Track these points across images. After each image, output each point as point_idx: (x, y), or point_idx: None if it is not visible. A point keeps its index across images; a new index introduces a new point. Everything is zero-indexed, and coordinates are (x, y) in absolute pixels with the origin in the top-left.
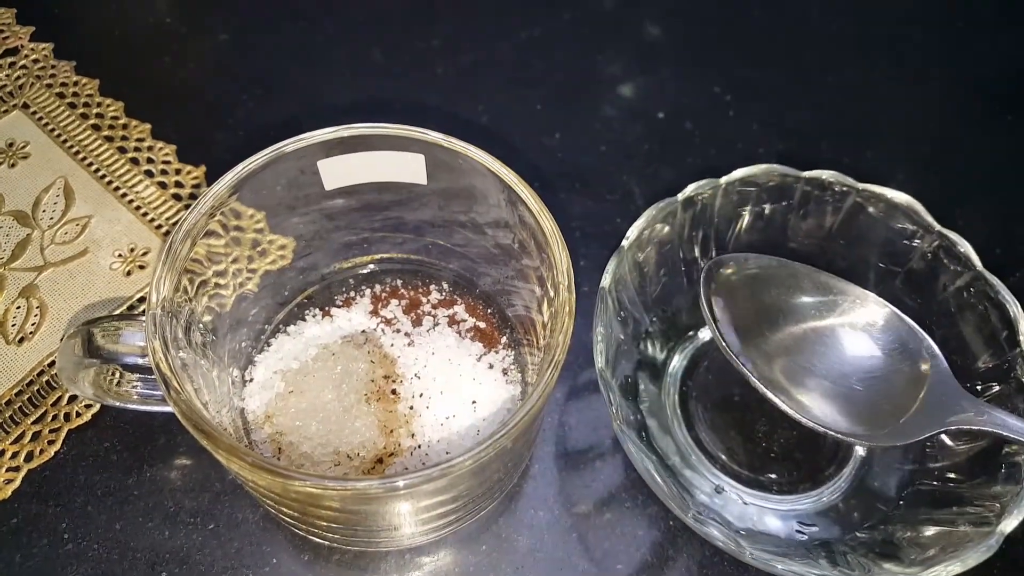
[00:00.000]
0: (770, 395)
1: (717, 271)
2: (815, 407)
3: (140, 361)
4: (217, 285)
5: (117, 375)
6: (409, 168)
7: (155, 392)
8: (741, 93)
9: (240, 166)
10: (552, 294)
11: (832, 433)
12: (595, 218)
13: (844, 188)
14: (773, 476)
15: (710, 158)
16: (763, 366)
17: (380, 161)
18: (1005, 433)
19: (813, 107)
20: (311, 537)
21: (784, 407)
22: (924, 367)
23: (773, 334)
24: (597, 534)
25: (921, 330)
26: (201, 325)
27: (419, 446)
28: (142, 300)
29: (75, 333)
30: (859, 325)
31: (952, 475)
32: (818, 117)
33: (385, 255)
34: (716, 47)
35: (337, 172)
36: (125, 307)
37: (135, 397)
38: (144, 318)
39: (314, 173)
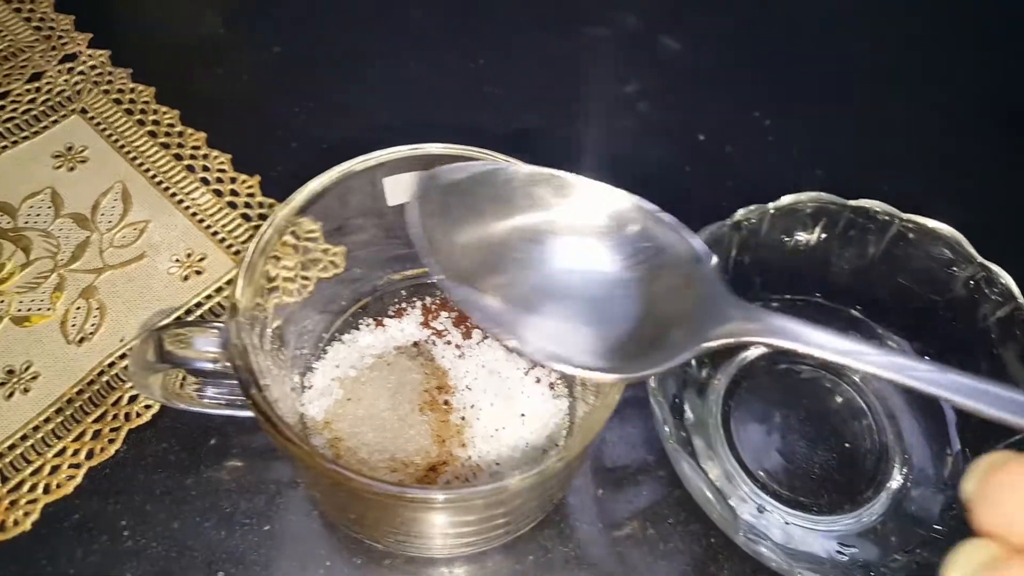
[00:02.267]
0: (492, 330)
1: (430, 190)
2: (553, 340)
3: (209, 366)
4: (283, 292)
5: (181, 378)
6: None
7: (217, 396)
8: (780, 117)
9: (314, 183)
10: None
11: (572, 370)
12: None
13: (888, 217)
14: (813, 497)
15: (750, 181)
16: (490, 298)
17: None
18: (783, 343)
19: (852, 133)
20: (366, 540)
21: (511, 343)
22: (689, 274)
23: (502, 258)
24: (640, 549)
25: (687, 229)
26: (269, 332)
27: (470, 456)
28: (199, 305)
29: (147, 338)
30: (605, 235)
31: None
32: (857, 144)
33: None
34: (755, 71)
35: (401, 189)
36: (183, 311)
37: (205, 401)
38: (218, 323)
39: (378, 188)
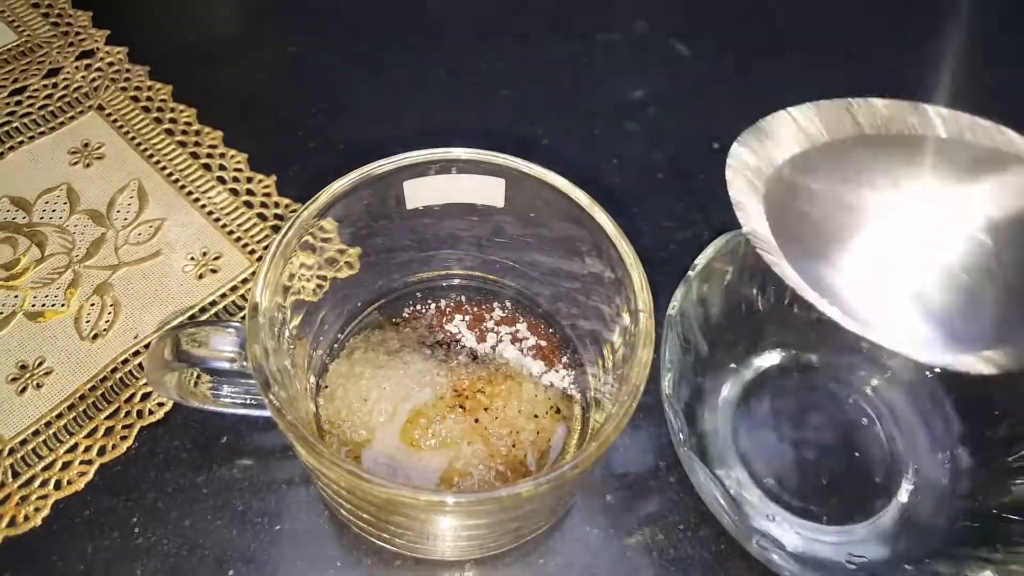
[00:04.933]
0: (820, 303)
1: (759, 140)
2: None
3: (226, 366)
4: (300, 292)
5: (195, 376)
6: (489, 191)
7: (231, 396)
8: None
9: (336, 185)
10: (628, 322)
11: (948, 362)
12: (652, 245)
13: None
14: (823, 506)
15: None
16: (823, 268)
17: (463, 184)
18: None
19: None
20: (377, 541)
21: (845, 322)
22: None
23: (844, 221)
24: (649, 555)
25: None
26: (287, 332)
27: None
28: (214, 303)
29: (164, 337)
30: (970, 185)
31: (1007, 514)
32: None
33: (451, 271)
34: (775, 87)
35: (421, 193)
36: (198, 309)
37: (220, 400)
38: (235, 323)
39: (396, 191)
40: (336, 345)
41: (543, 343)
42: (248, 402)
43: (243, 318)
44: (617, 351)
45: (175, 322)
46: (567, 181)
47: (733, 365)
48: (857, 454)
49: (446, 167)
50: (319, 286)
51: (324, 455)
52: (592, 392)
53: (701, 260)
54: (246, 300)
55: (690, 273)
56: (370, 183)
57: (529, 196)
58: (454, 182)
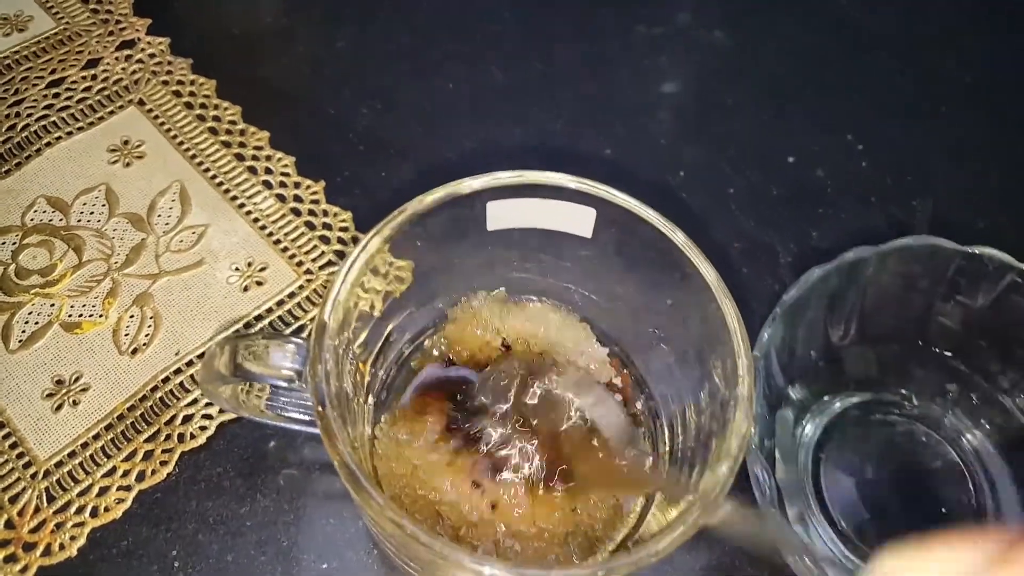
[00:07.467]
0: None
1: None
2: None
3: (284, 384)
4: (359, 309)
5: (249, 387)
6: (578, 220)
7: (285, 408)
8: (873, 143)
9: (417, 206)
10: (720, 384)
11: None
12: (722, 268)
13: (1001, 266)
14: None
15: (843, 209)
16: None
17: (552, 209)
18: None
19: (946, 165)
20: None
21: None
22: None
23: None
24: None
25: None
26: (351, 353)
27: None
28: (260, 318)
29: (221, 347)
30: None
31: None
32: (952, 174)
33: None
34: (847, 93)
35: (505, 215)
36: (242, 324)
37: (273, 413)
38: (296, 339)
39: (478, 212)
40: (393, 370)
41: (618, 382)
42: (305, 416)
43: (296, 331)
44: (703, 412)
45: (219, 339)
46: (668, 222)
47: (814, 406)
48: (944, 509)
49: (536, 192)
50: (373, 304)
51: (381, 507)
52: (666, 446)
53: (788, 298)
54: (293, 316)
55: (777, 310)
56: (453, 203)
57: (620, 229)
58: (543, 207)
